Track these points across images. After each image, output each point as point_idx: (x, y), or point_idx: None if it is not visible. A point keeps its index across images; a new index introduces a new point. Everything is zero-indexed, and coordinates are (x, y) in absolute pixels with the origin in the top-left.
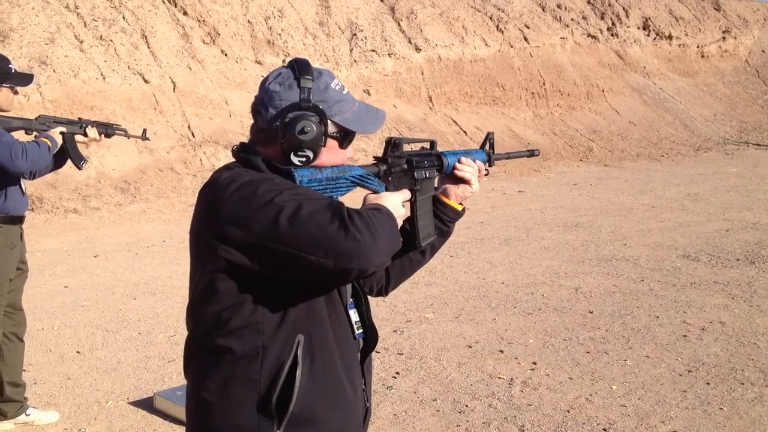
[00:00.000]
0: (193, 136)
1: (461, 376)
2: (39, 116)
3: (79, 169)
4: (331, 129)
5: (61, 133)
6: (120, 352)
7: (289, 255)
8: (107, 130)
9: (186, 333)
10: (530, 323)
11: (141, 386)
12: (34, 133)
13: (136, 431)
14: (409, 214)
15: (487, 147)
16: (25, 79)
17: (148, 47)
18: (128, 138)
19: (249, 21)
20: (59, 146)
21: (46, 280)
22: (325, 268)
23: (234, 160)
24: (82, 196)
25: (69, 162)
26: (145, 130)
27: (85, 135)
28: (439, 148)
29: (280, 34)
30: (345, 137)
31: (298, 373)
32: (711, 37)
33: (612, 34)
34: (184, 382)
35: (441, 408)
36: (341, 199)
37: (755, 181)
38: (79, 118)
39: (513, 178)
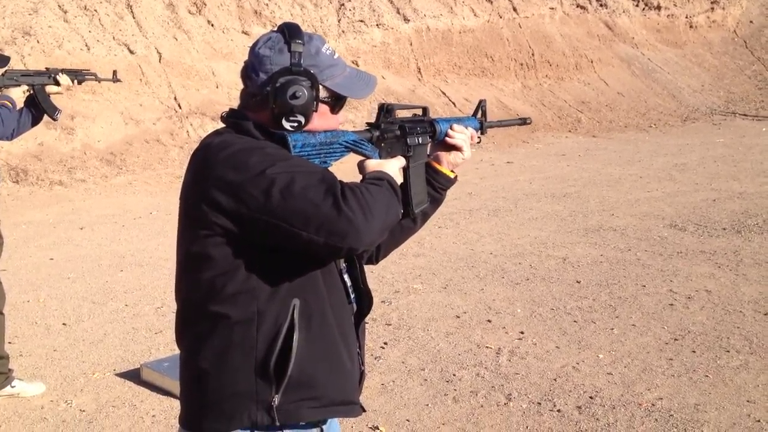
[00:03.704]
0: (180, 107)
1: (449, 345)
2: (6, 71)
3: (54, 120)
4: (323, 94)
5: (31, 85)
6: (106, 323)
7: (280, 228)
8: (77, 76)
9: (174, 304)
10: (518, 293)
11: (128, 358)
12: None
13: (122, 402)
14: (402, 181)
15: (479, 115)
16: (2, 61)
17: (133, 17)
18: (99, 82)
19: None
20: (23, 102)
21: (32, 252)
22: (316, 244)
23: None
24: (68, 168)
25: (55, 134)
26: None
27: (57, 84)
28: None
29: (267, 4)
30: (336, 102)
31: (295, 336)
32: (699, 8)
33: (601, 5)
34: (170, 353)
35: (429, 377)
36: (335, 164)
37: (742, 151)
38: (46, 68)
39: (501, 149)
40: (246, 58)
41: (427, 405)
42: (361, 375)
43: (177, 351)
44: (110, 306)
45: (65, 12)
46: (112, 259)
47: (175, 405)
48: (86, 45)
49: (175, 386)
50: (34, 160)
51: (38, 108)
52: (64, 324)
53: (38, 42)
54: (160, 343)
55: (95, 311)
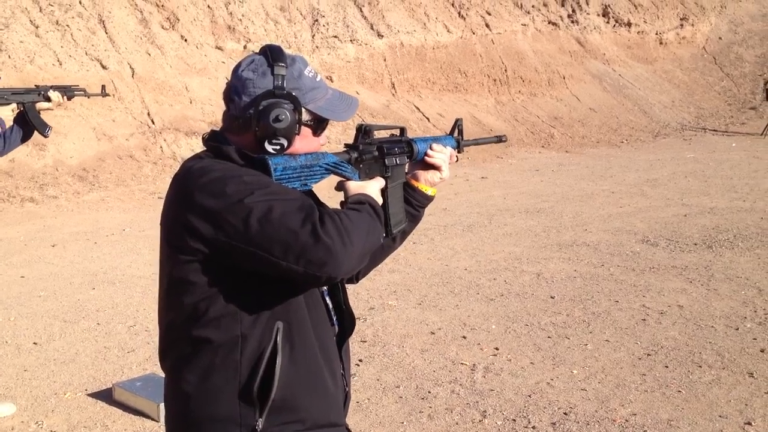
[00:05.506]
0: (153, 123)
1: (424, 362)
2: None
3: (45, 136)
4: (305, 117)
5: (21, 103)
6: (78, 343)
7: (258, 257)
8: (67, 92)
9: (147, 323)
10: (492, 309)
11: (99, 377)
12: None
13: (94, 423)
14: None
15: (456, 133)
16: None
17: (106, 32)
18: (88, 97)
19: (209, 6)
20: (12, 120)
21: (2, 270)
22: (295, 273)
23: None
24: (39, 185)
25: (26, 150)
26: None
27: (48, 100)
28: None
29: (240, 20)
30: (318, 125)
31: (279, 360)
32: (669, 24)
33: (572, 21)
34: (143, 372)
35: (404, 395)
36: (315, 186)
37: (712, 166)
38: (36, 86)
39: (476, 165)
40: (218, 73)
41: (403, 423)
42: (346, 396)
43: (149, 370)
44: (82, 325)
45: (37, 27)
46: (84, 276)
47: (148, 426)
48: (58, 60)
49: (147, 406)
50: (4, 177)
51: (28, 125)
52: (35, 343)
53: (9, 57)
54: (133, 362)
55: (67, 330)
